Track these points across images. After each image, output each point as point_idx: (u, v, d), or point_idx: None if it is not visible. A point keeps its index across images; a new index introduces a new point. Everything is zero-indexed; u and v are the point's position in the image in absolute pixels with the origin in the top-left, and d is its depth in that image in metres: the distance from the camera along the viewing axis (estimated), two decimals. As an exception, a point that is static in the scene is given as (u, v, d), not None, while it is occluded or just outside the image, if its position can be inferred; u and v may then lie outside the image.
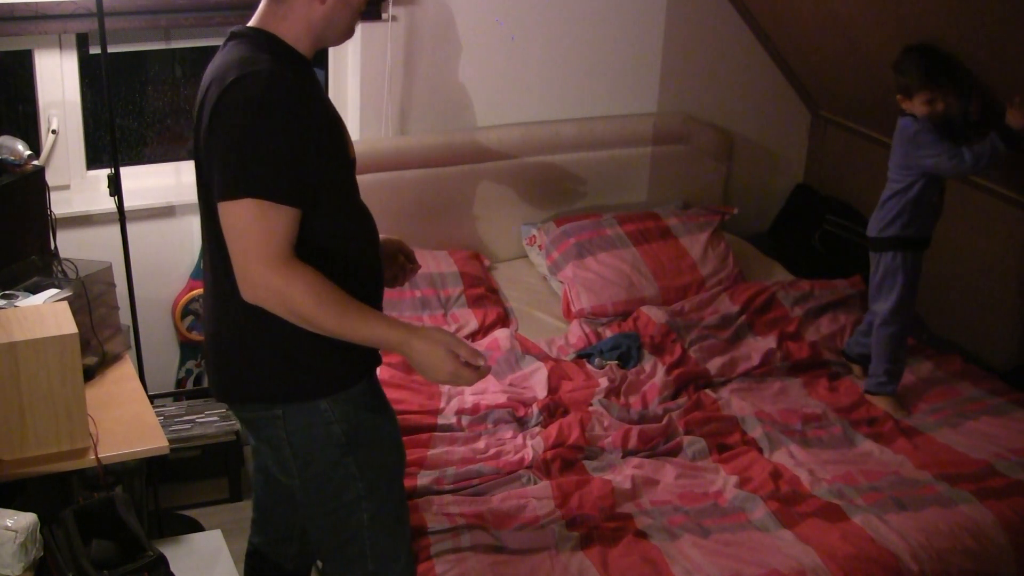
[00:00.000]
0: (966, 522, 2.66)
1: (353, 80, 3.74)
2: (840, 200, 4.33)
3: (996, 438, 3.03)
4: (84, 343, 2.60)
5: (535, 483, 2.81)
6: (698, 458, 2.97)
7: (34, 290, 2.62)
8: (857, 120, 4.22)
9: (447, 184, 3.88)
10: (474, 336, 3.51)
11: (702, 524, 2.66)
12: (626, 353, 3.44)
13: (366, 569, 2.16)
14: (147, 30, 3.43)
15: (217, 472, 3.49)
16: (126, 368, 2.80)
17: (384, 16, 3.61)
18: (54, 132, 3.42)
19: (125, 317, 3.04)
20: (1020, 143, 3.02)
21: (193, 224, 3.61)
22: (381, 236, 2.18)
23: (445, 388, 3.21)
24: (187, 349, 3.74)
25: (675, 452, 3.00)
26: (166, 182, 3.70)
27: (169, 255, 3.63)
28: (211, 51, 3.72)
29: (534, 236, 3.99)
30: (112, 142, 3.04)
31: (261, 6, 1.98)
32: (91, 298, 2.71)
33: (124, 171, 3.16)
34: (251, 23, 1.98)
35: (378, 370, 2.16)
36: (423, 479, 2.78)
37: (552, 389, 3.23)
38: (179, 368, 3.76)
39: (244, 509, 3.35)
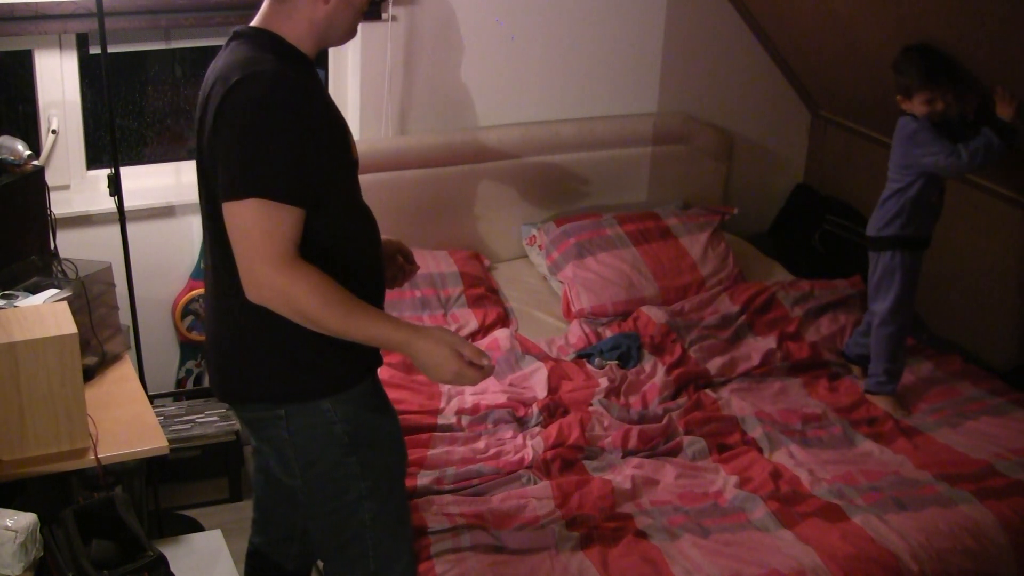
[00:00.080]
0: (966, 522, 2.66)
1: (353, 80, 3.74)
2: (840, 200, 4.33)
3: (996, 438, 3.03)
4: (84, 343, 2.59)
5: (535, 483, 2.81)
6: (698, 458, 2.97)
7: (34, 290, 2.62)
8: (857, 120, 4.22)
9: (447, 184, 3.88)
10: (474, 336, 3.51)
11: (702, 524, 2.66)
12: (626, 353, 3.44)
13: (368, 569, 2.17)
14: (147, 30, 3.43)
15: (217, 472, 3.49)
16: (126, 368, 2.80)
17: (384, 16, 3.61)
18: (54, 132, 3.42)
19: (125, 317, 3.04)
20: (1013, 135, 3.03)
21: (193, 224, 3.61)
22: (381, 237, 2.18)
23: (445, 388, 3.21)
24: (187, 349, 3.74)
25: (675, 452, 3.00)
26: (166, 182, 3.70)
27: (169, 255, 3.63)
28: (211, 51, 3.74)
29: (534, 236, 3.99)
30: (112, 142, 3.04)
31: (264, 6, 1.98)
32: (91, 298, 2.71)
33: (124, 171, 3.16)
34: (254, 23, 1.98)
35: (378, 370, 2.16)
36: (423, 479, 2.78)
37: (552, 389, 3.23)
38: (179, 368, 3.76)
39: (244, 509, 3.35)
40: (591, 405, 3.15)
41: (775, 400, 3.26)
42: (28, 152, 2.88)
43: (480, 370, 1.97)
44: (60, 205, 3.24)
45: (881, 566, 2.52)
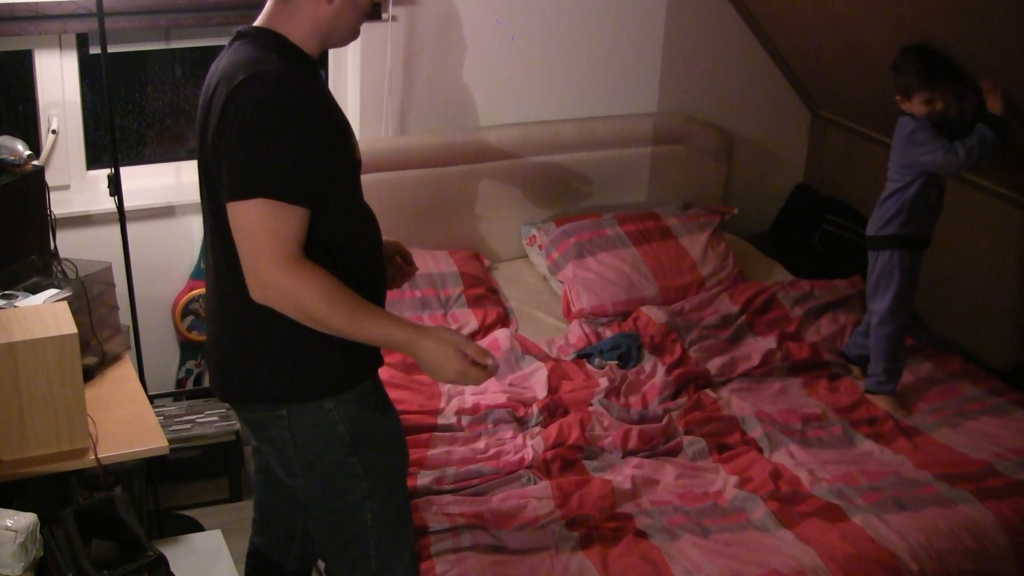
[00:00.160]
0: (966, 522, 2.66)
1: (353, 80, 3.74)
2: (840, 200, 4.33)
3: (996, 438, 3.03)
4: (84, 343, 2.59)
5: (535, 483, 2.81)
6: (698, 458, 2.97)
7: (34, 290, 2.62)
8: (857, 120, 4.22)
9: (447, 184, 3.88)
10: (474, 336, 3.51)
11: (702, 524, 2.66)
12: (626, 353, 3.44)
13: (369, 569, 2.17)
14: (147, 30, 3.43)
15: (217, 472, 3.49)
16: (126, 368, 2.80)
17: (384, 16, 3.62)
18: (54, 132, 3.42)
19: (125, 317, 3.04)
20: (1005, 127, 3.05)
21: (193, 224, 3.61)
22: (381, 237, 2.18)
23: (445, 388, 3.21)
24: (187, 349, 3.74)
25: (675, 452, 3.00)
26: (166, 182, 3.70)
27: (169, 255, 3.63)
28: (211, 51, 3.74)
29: (534, 236, 3.99)
30: (112, 142, 3.04)
31: (268, 5, 1.98)
32: (91, 298, 2.71)
33: (124, 171, 3.16)
34: (258, 23, 1.98)
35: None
36: (423, 479, 2.78)
37: (552, 389, 3.23)
38: (179, 368, 3.76)
39: (244, 509, 3.36)
40: (591, 405, 3.15)
41: (775, 400, 3.26)
42: (28, 152, 2.88)
43: (484, 369, 1.97)
44: (60, 205, 3.24)
45: (881, 566, 2.52)
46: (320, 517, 2.16)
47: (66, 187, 3.52)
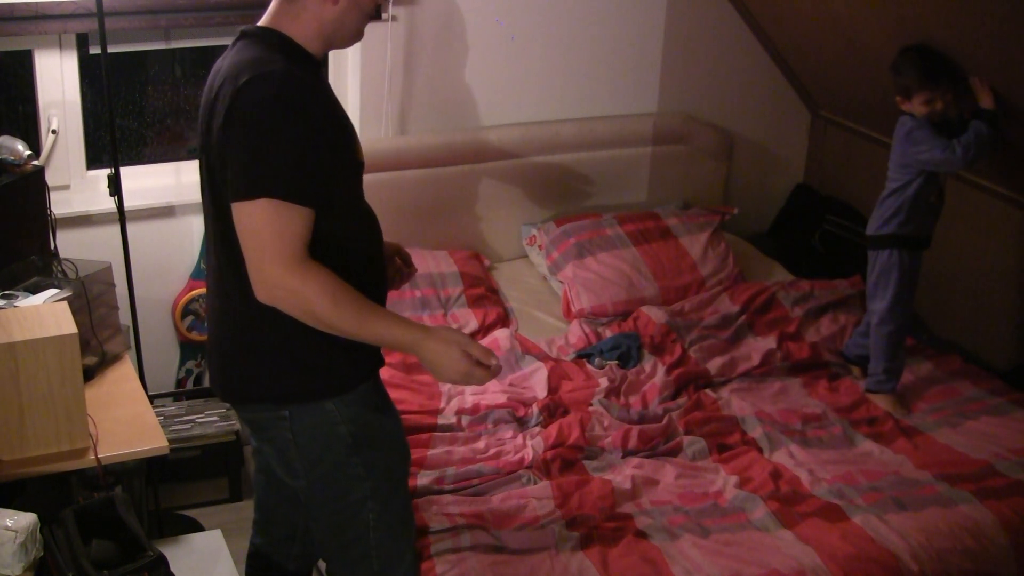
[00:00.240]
0: (966, 522, 2.65)
1: (353, 80, 3.74)
2: (840, 200, 4.33)
3: (996, 438, 3.03)
4: (84, 343, 2.59)
5: (535, 483, 2.81)
6: (698, 458, 2.97)
7: (34, 290, 2.62)
8: (857, 120, 4.22)
9: (447, 184, 3.88)
10: (474, 336, 3.50)
11: (702, 524, 2.66)
12: (626, 353, 3.44)
13: (371, 569, 2.17)
14: (147, 30, 3.43)
15: (217, 472, 3.49)
16: (126, 368, 2.80)
17: (384, 16, 3.61)
18: (54, 132, 3.42)
19: (125, 317, 3.05)
20: (998, 120, 3.07)
21: (193, 224, 3.61)
22: (381, 239, 2.18)
23: (445, 388, 3.21)
24: (187, 349, 3.74)
25: (675, 452, 3.00)
26: (166, 182, 3.70)
27: (169, 255, 3.63)
28: (211, 51, 3.74)
29: (534, 236, 3.99)
30: (112, 142, 3.04)
31: (272, 5, 1.98)
32: (91, 298, 2.71)
33: (124, 171, 3.16)
34: (262, 22, 1.98)
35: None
36: (423, 479, 2.78)
37: (552, 389, 3.23)
38: (179, 368, 3.76)
39: (244, 509, 3.36)
40: (591, 405, 3.15)
41: (775, 400, 3.26)
42: (28, 152, 2.88)
43: (488, 370, 1.97)
44: (60, 205, 3.24)
45: (881, 566, 2.52)
46: (321, 518, 2.16)
47: (66, 187, 3.52)
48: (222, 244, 1.97)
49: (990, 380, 3.36)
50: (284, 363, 2.00)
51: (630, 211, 4.06)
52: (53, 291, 2.62)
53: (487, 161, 3.91)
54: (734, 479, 2.84)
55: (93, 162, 3.56)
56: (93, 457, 2.35)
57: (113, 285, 2.86)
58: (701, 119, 4.23)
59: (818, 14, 3.73)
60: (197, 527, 3.31)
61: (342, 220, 1.97)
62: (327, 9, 1.95)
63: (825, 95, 4.31)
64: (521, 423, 3.10)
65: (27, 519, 2.06)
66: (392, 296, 2.25)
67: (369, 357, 2.08)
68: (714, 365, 3.41)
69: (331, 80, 3.78)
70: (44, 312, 2.39)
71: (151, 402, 2.76)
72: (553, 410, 3.13)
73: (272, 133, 1.82)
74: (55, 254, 2.96)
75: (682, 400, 3.24)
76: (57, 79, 3.39)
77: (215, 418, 3.48)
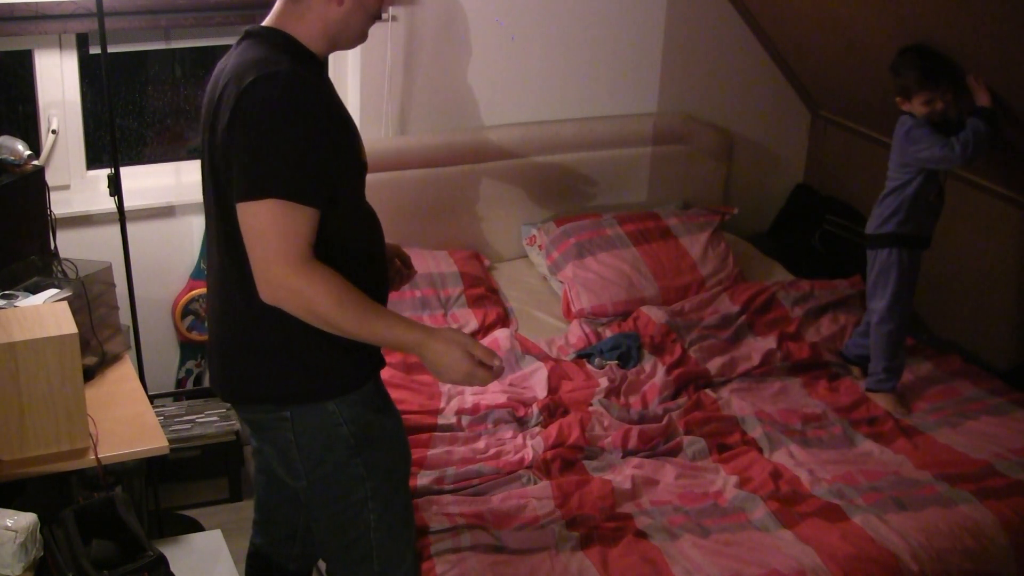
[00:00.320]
0: (966, 522, 2.65)
1: (353, 80, 3.74)
2: (840, 200, 4.33)
3: (996, 438, 3.03)
4: (84, 343, 2.59)
5: (535, 483, 2.81)
6: (698, 458, 2.97)
7: (34, 290, 2.62)
8: (857, 120, 4.22)
9: (447, 184, 3.88)
10: (474, 336, 3.50)
11: (702, 524, 2.66)
12: (626, 353, 3.44)
13: (371, 570, 2.17)
14: (147, 30, 3.43)
15: (217, 472, 3.49)
16: (126, 368, 2.80)
17: (384, 16, 3.60)
18: (54, 132, 3.42)
19: (125, 317, 3.05)
20: (995, 117, 3.07)
21: (193, 224, 3.61)
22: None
23: (445, 388, 3.21)
24: (187, 349, 3.74)
25: (675, 452, 3.00)
26: (166, 182, 3.70)
27: (169, 255, 3.63)
28: (211, 51, 3.74)
29: (534, 236, 3.99)
30: (112, 142, 3.04)
31: (277, 5, 1.98)
32: (91, 298, 2.71)
33: (124, 171, 3.16)
34: (266, 22, 1.98)
35: (377, 370, 2.16)
36: (423, 479, 2.78)
37: (552, 389, 3.23)
38: (179, 368, 3.76)
39: (244, 509, 3.36)
40: (591, 405, 3.15)
41: (775, 400, 3.26)
42: (28, 152, 2.88)
43: (490, 371, 1.97)
44: (60, 205, 3.24)
45: (881, 566, 2.52)
46: (322, 519, 2.16)
47: (66, 187, 3.52)
48: (225, 244, 1.97)
49: (990, 380, 3.36)
50: (286, 363, 2.00)
51: (630, 211, 4.06)
52: (53, 291, 2.62)
53: (487, 161, 3.91)
54: (734, 479, 2.84)
55: (93, 162, 3.56)
56: (93, 457, 2.35)
57: (113, 285, 2.86)
58: (701, 119, 4.23)
59: (818, 14, 3.73)
60: (197, 527, 3.31)
61: (345, 220, 1.97)
62: (332, 10, 1.95)
63: (825, 95, 4.31)
64: (521, 423, 3.10)
65: (27, 519, 2.06)
66: (392, 296, 2.25)
67: (371, 358, 2.08)
68: (714, 365, 3.41)
69: (331, 80, 3.77)
70: (44, 312, 2.39)
71: (151, 402, 2.76)
72: (553, 410, 3.13)
73: (277, 133, 1.82)
74: (55, 254, 2.96)
75: (682, 400, 3.24)
76: (57, 79, 3.39)
77: (215, 418, 3.48)
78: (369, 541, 2.14)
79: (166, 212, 3.58)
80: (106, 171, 3.17)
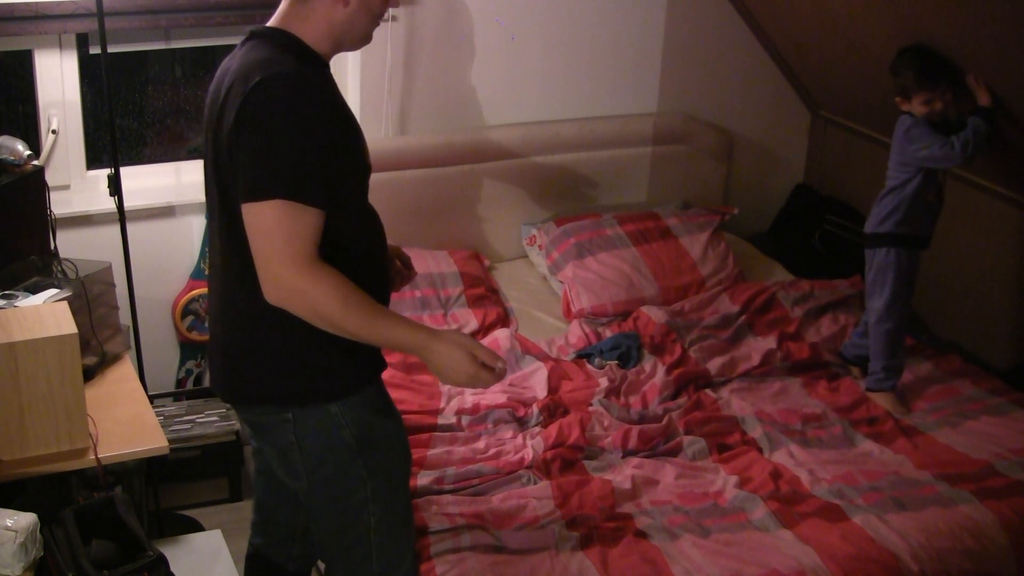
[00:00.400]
0: (966, 522, 2.66)
1: (353, 80, 3.74)
2: (840, 200, 4.33)
3: (996, 438, 3.03)
4: (84, 343, 2.59)
5: (535, 483, 2.81)
6: (698, 458, 2.97)
7: (34, 290, 2.62)
8: (857, 120, 4.22)
9: (447, 184, 3.88)
10: (474, 336, 3.50)
11: (702, 524, 2.66)
12: (626, 353, 3.44)
13: (371, 570, 2.16)
14: (147, 30, 3.43)
15: (217, 472, 3.49)
16: (126, 368, 2.80)
17: (384, 16, 3.61)
18: (54, 132, 3.42)
19: (125, 317, 3.04)
20: (994, 116, 3.08)
21: (193, 224, 3.61)
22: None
23: (445, 388, 3.21)
24: (187, 349, 3.74)
25: (675, 452, 3.00)
26: (166, 182, 3.70)
27: (169, 255, 3.63)
28: (211, 51, 3.74)
29: (534, 236, 3.99)
30: (112, 142, 3.04)
31: (282, 6, 1.98)
32: (91, 298, 2.71)
33: (124, 171, 3.16)
34: (271, 23, 1.98)
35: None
36: (423, 479, 2.78)
37: (552, 389, 3.23)
38: (179, 368, 3.76)
39: (244, 509, 3.36)
40: (591, 405, 3.15)
41: (775, 400, 3.26)
42: (28, 152, 2.88)
43: (493, 372, 1.97)
44: (60, 205, 3.24)
45: (881, 566, 2.52)
46: (323, 520, 2.16)
47: (66, 187, 3.52)
48: (228, 244, 1.96)
49: (990, 380, 3.36)
50: (287, 365, 2.00)
51: (630, 211, 4.06)
52: (53, 291, 2.62)
53: (487, 161, 3.91)
54: (734, 479, 2.84)
55: (93, 162, 3.56)
56: (93, 457, 2.35)
57: (113, 285, 2.86)
58: (701, 119, 4.23)
59: (818, 14, 3.73)
60: (197, 527, 3.31)
61: (349, 221, 1.97)
62: (337, 11, 1.95)
63: (825, 95, 4.31)
64: (521, 423, 3.10)
65: (27, 519, 2.06)
66: (392, 297, 2.25)
67: (372, 360, 2.08)
68: (714, 365, 3.41)
69: (331, 80, 3.78)
70: (44, 312, 2.39)
71: (151, 402, 2.76)
72: (553, 410, 3.13)
73: (283, 134, 1.82)
74: (55, 254, 2.96)
75: (682, 400, 3.24)
76: (57, 79, 3.39)
77: (215, 418, 3.48)
78: (369, 542, 2.14)
79: (166, 212, 3.58)
80: (106, 171, 3.17)
